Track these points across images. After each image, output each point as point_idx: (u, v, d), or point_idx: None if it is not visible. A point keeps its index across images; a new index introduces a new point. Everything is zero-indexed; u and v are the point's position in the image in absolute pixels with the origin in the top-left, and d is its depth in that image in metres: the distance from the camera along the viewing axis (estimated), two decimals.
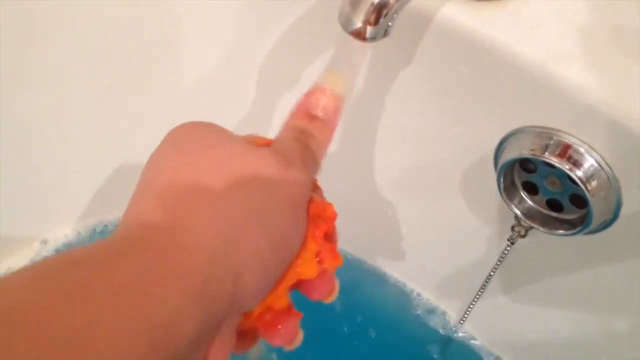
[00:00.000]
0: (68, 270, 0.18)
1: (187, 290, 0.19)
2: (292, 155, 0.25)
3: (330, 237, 0.26)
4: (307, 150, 0.26)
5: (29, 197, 0.50)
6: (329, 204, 0.27)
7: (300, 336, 0.26)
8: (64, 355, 0.16)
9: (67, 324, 0.16)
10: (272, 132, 0.28)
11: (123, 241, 0.21)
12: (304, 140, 0.27)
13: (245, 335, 0.25)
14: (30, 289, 0.17)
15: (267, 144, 0.26)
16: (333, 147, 0.48)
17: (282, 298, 0.24)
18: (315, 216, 0.25)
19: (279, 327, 0.25)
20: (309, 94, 0.28)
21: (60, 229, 0.53)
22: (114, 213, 0.54)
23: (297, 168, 0.24)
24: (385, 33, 0.31)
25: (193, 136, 0.25)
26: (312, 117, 0.27)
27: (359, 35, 0.30)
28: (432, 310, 0.55)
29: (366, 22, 0.30)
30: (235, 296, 0.21)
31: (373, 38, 0.30)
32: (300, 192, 0.24)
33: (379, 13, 0.30)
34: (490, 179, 0.39)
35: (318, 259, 0.25)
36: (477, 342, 0.53)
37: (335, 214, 0.26)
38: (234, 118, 0.50)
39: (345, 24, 0.30)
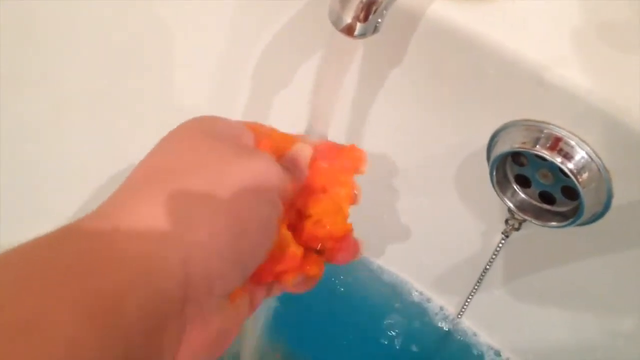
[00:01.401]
0: (9, 265, 0.19)
1: (130, 269, 0.20)
2: (257, 149, 0.25)
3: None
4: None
5: (26, 198, 0.50)
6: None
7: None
8: (10, 346, 0.16)
9: (11, 316, 0.17)
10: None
11: (65, 231, 0.21)
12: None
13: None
14: None
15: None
16: None
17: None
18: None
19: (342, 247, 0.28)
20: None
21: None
22: None
23: (255, 155, 0.25)
24: (375, 29, 0.31)
25: (179, 136, 0.25)
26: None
27: (349, 31, 0.30)
28: (429, 305, 0.55)
29: (355, 18, 0.30)
30: (191, 277, 0.21)
31: (363, 34, 0.31)
32: (256, 174, 0.24)
33: (368, 10, 0.30)
34: (483, 173, 0.40)
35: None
36: (475, 336, 0.54)
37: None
38: (229, 117, 0.51)
39: (335, 21, 0.31)
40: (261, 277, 0.26)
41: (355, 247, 0.30)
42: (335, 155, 0.30)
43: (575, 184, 0.35)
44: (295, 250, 0.26)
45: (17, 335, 0.16)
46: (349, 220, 0.30)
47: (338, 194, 0.29)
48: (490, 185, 0.39)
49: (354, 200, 0.30)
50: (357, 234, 0.55)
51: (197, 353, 0.22)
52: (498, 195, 0.40)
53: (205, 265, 0.21)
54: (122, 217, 0.21)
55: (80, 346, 0.17)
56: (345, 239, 0.29)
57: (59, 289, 0.18)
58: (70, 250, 0.20)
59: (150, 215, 0.21)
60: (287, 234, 0.26)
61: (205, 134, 0.25)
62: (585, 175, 0.35)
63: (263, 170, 0.24)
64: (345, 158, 0.30)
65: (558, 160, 0.35)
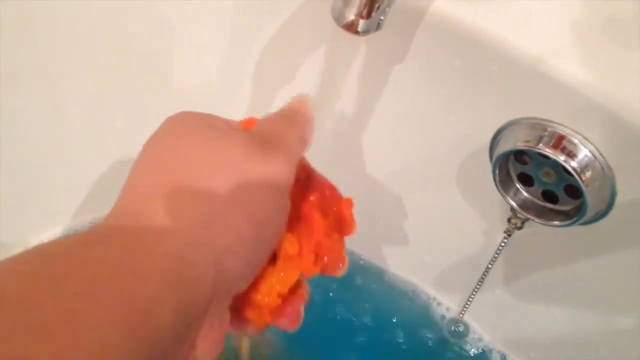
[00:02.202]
0: (45, 262, 0.19)
1: (164, 273, 0.19)
2: (271, 136, 0.25)
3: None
4: (293, 126, 0.26)
5: (24, 196, 0.50)
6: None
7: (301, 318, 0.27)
8: (43, 345, 0.16)
9: (46, 314, 0.17)
10: None
11: (100, 231, 0.21)
12: (292, 116, 0.27)
13: (244, 315, 0.26)
14: (8, 282, 0.17)
15: (254, 123, 0.27)
16: (329, 141, 0.48)
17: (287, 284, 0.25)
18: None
19: (287, 308, 0.26)
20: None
21: (55, 228, 0.53)
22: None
23: (271, 151, 0.24)
24: (378, 26, 0.31)
25: (180, 129, 0.25)
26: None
27: (352, 28, 0.30)
28: (431, 304, 0.55)
29: (359, 15, 0.30)
30: (218, 280, 0.21)
31: (366, 32, 0.31)
32: (273, 174, 0.23)
33: (371, 6, 0.30)
34: (486, 171, 0.39)
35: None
36: (477, 335, 0.54)
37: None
38: (229, 116, 0.50)
39: (338, 18, 0.31)
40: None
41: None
42: (331, 204, 0.29)
43: (578, 183, 0.35)
44: (289, 247, 0.25)
45: (50, 335, 0.16)
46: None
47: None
48: (493, 183, 0.39)
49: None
50: (359, 231, 0.55)
51: (211, 351, 0.22)
52: (501, 193, 0.40)
53: (233, 269, 0.22)
54: (151, 216, 0.21)
55: (113, 349, 0.17)
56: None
57: (94, 290, 0.18)
58: (104, 251, 0.20)
59: (178, 216, 0.21)
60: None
61: (201, 126, 0.25)
62: (588, 174, 0.35)
63: (280, 170, 0.24)
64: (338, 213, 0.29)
65: (561, 158, 0.35)
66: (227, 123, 0.26)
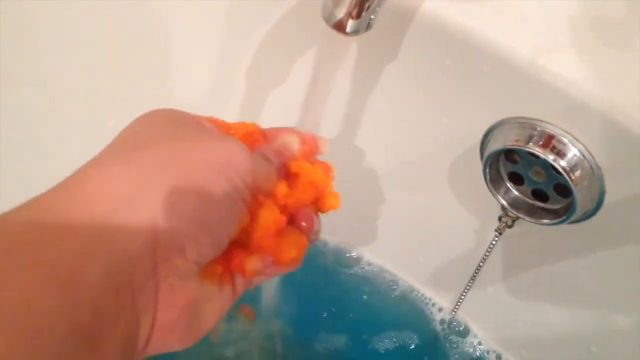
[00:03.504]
0: None
1: (86, 236, 0.20)
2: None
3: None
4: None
5: (17, 195, 0.50)
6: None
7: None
8: None
9: None
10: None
11: (30, 201, 0.21)
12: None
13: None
14: None
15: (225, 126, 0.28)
16: None
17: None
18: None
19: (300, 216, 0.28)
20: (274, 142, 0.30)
21: None
22: None
23: (226, 139, 0.25)
24: (368, 26, 0.31)
25: (146, 120, 0.26)
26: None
27: (342, 28, 0.30)
28: (423, 302, 0.55)
29: (348, 15, 0.30)
30: (160, 240, 0.21)
31: (356, 31, 0.31)
32: (225, 155, 0.24)
33: (361, 6, 0.30)
34: (476, 170, 0.40)
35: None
36: (469, 332, 0.54)
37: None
38: (222, 116, 0.50)
39: (328, 18, 0.31)
40: (240, 253, 0.26)
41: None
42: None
43: (567, 182, 0.35)
44: (268, 216, 0.26)
45: None
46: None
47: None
48: (484, 182, 0.39)
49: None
50: (351, 231, 0.55)
51: (177, 319, 0.23)
52: (491, 192, 0.40)
53: (172, 225, 0.22)
54: (83, 185, 0.22)
55: (40, 306, 0.18)
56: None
57: (11, 256, 0.18)
58: (24, 222, 0.20)
59: (112, 182, 0.22)
60: (265, 207, 0.26)
61: (171, 120, 0.26)
62: (577, 173, 0.35)
63: (229, 152, 0.24)
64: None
65: (551, 157, 0.35)
66: (202, 126, 0.27)
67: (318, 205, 0.30)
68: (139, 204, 0.21)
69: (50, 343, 0.18)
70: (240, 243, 0.26)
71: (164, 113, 0.26)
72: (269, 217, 0.26)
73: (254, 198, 0.26)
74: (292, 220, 0.28)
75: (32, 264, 0.18)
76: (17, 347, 0.17)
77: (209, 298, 0.25)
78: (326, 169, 0.31)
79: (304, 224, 0.28)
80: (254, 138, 0.29)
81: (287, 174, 0.29)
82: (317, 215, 0.30)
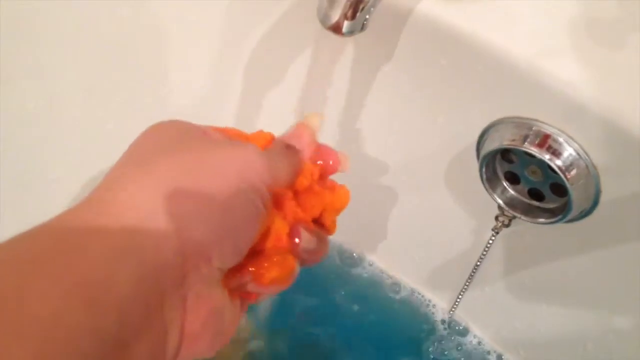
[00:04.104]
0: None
1: (117, 246, 0.20)
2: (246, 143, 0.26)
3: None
4: (277, 155, 0.27)
5: (14, 197, 0.50)
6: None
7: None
8: None
9: None
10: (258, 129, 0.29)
11: (56, 218, 0.21)
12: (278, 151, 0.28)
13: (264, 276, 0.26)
14: None
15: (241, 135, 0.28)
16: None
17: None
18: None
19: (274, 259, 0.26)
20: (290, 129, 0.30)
21: None
22: None
23: (241, 145, 0.25)
24: (363, 27, 0.31)
25: (156, 132, 0.26)
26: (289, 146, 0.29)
27: (337, 29, 0.31)
28: (421, 302, 0.55)
29: (343, 16, 0.30)
30: (187, 249, 0.21)
31: (351, 32, 0.31)
32: (242, 162, 0.24)
33: (355, 7, 0.30)
34: (473, 170, 0.40)
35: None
36: (467, 332, 0.54)
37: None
38: (220, 116, 0.51)
39: (323, 19, 0.31)
40: (254, 258, 0.26)
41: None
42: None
43: (563, 181, 0.35)
44: (279, 226, 0.26)
45: None
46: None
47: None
48: (480, 182, 0.40)
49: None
50: (349, 231, 0.55)
51: (204, 328, 0.23)
52: (488, 192, 0.40)
53: (198, 233, 0.22)
54: (107, 199, 0.22)
55: (68, 319, 0.17)
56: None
57: (41, 266, 0.18)
58: (55, 232, 0.20)
59: (139, 193, 0.22)
60: (276, 217, 0.26)
61: (180, 131, 0.26)
62: (573, 172, 0.35)
63: (245, 159, 0.25)
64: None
65: (546, 157, 0.35)
66: (209, 136, 0.27)
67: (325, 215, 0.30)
68: (165, 213, 0.21)
69: (77, 356, 0.17)
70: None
71: (172, 124, 0.26)
72: (283, 227, 0.26)
73: (274, 200, 0.26)
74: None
75: (61, 275, 0.18)
76: None
77: (229, 305, 0.25)
78: (343, 195, 0.30)
79: (296, 240, 0.27)
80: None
81: (296, 191, 0.28)
82: (315, 233, 0.29)
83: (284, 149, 0.28)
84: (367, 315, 0.55)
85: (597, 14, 0.36)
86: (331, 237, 0.29)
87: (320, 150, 0.30)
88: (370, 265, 0.57)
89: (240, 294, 0.26)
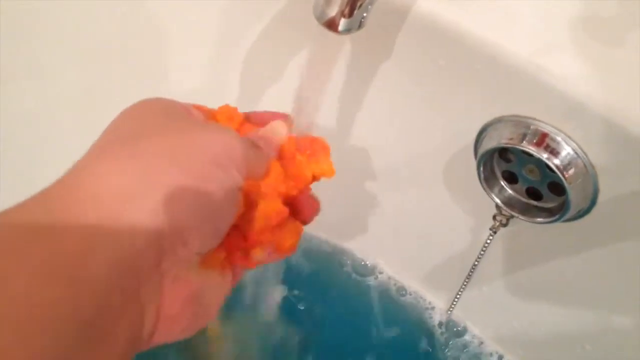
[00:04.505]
0: None
1: (92, 228, 0.20)
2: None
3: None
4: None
5: (12, 197, 0.50)
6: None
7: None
8: None
9: None
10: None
11: (30, 199, 0.21)
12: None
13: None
14: None
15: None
16: None
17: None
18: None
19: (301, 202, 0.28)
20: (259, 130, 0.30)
21: None
22: None
23: (219, 128, 0.26)
24: (360, 25, 0.31)
25: (135, 111, 0.26)
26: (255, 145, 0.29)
27: (334, 27, 0.30)
28: (419, 301, 0.55)
29: (340, 13, 0.30)
30: (162, 232, 0.21)
31: (348, 30, 0.31)
32: (220, 144, 0.24)
33: (353, 5, 0.30)
34: (471, 169, 0.40)
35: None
36: (465, 332, 0.54)
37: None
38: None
39: (320, 16, 0.30)
40: (239, 241, 0.27)
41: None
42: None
43: (561, 180, 0.35)
44: (269, 208, 0.27)
45: None
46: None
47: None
48: (478, 181, 0.39)
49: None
50: (346, 229, 0.55)
51: (181, 310, 0.23)
52: (485, 191, 0.40)
53: (174, 216, 0.22)
54: (83, 179, 0.22)
55: (44, 302, 0.18)
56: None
57: (13, 252, 0.18)
58: (27, 217, 0.20)
59: (112, 175, 0.22)
60: (265, 197, 0.27)
61: (161, 110, 0.26)
62: (571, 171, 0.35)
63: (224, 142, 0.25)
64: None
65: (544, 156, 0.35)
66: (190, 115, 0.27)
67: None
68: (142, 197, 0.21)
69: (53, 336, 0.17)
70: (238, 227, 0.26)
71: (153, 103, 0.26)
72: (270, 209, 0.27)
73: (251, 185, 0.26)
74: (289, 206, 0.29)
75: (35, 259, 0.18)
76: (20, 341, 0.17)
77: (210, 286, 0.25)
78: (321, 145, 0.31)
79: (306, 212, 0.29)
80: (236, 122, 0.30)
81: (282, 160, 0.29)
82: (315, 199, 0.30)
83: (256, 143, 0.28)
84: (359, 314, 0.55)
85: (596, 13, 0.36)
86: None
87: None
88: (362, 263, 0.57)
89: (240, 263, 0.27)
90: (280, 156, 0.29)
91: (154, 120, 0.25)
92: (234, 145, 0.25)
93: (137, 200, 0.21)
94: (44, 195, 0.21)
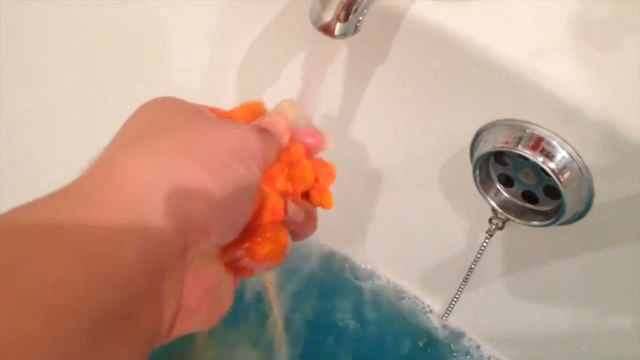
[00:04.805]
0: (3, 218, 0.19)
1: (120, 221, 0.20)
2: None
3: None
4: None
5: (8, 198, 0.50)
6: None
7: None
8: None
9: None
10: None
11: (57, 192, 0.21)
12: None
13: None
14: None
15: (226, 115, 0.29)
16: None
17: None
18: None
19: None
20: (265, 117, 0.31)
21: None
22: None
23: (235, 124, 0.26)
24: (356, 29, 0.31)
25: (153, 109, 0.26)
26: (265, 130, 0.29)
27: (329, 31, 0.30)
28: (415, 305, 0.55)
29: (336, 18, 0.30)
30: (188, 227, 0.22)
31: (343, 34, 0.31)
32: (237, 139, 0.25)
33: (348, 9, 0.30)
34: (467, 172, 0.40)
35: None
36: (461, 336, 0.54)
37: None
38: None
39: (316, 20, 0.31)
40: (249, 234, 0.26)
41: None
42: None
43: (556, 184, 0.35)
44: (275, 201, 0.26)
45: (10, 274, 0.17)
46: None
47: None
48: (474, 184, 0.40)
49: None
50: (343, 233, 0.55)
51: (200, 302, 0.23)
52: (481, 194, 0.40)
53: (199, 209, 0.22)
54: (114, 172, 0.22)
55: (72, 288, 0.18)
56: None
57: (44, 237, 0.19)
58: (57, 206, 0.20)
59: (140, 168, 0.22)
60: (270, 192, 0.27)
61: (175, 108, 0.27)
62: (566, 175, 0.35)
63: (241, 137, 0.25)
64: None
65: (540, 159, 0.35)
66: (203, 113, 0.28)
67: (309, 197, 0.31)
68: (167, 189, 0.22)
69: (79, 324, 0.18)
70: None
71: (168, 101, 0.27)
72: (277, 203, 0.27)
73: (268, 176, 0.27)
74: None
75: (64, 245, 0.18)
76: (46, 326, 0.17)
77: (225, 281, 0.25)
78: (329, 172, 0.31)
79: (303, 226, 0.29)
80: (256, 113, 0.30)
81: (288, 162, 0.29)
82: (315, 218, 0.30)
83: (264, 128, 0.28)
84: (355, 318, 0.55)
85: (591, 17, 0.36)
86: (315, 238, 0.30)
87: (304, 130, 0.31)
88: (360, 267, 0.57)
89: (236, 269, 0.27)
90: (288, 159, 0.29)
91: (170, 117, 0.26)
92: (249, 139, 0.25)
93: (162, 192, 0.22)
94: (74, 186, 0.22)
